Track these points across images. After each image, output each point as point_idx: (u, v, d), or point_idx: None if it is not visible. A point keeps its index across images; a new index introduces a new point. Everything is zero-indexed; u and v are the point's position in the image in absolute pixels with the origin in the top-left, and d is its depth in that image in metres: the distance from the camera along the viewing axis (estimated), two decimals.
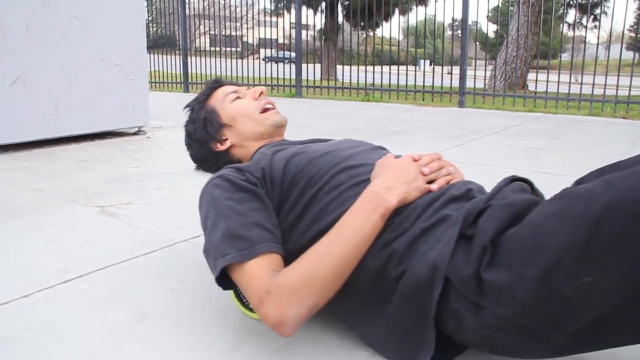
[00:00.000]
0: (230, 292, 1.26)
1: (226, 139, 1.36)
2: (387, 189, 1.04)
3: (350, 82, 7.90)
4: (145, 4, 8.70)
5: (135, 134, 4.08)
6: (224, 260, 1.02)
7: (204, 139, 1.37)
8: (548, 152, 3.47)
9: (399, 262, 0.98)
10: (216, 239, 1.05)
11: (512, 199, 0.96)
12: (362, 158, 1.20)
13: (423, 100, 7.06)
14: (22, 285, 1.39)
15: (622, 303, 0.76)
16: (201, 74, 9.30)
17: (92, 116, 3.73)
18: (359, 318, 1.08)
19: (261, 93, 1.39)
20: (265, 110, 1.37)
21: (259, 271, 1.00)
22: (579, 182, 0.97)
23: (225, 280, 1.05)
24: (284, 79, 8.56)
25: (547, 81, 6.27)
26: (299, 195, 1.13)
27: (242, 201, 1.09)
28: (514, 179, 1.10)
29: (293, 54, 8.27)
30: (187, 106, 1.44)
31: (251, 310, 1.20)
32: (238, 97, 1.38)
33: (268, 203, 1.13)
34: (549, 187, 2.65)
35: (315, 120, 5.11)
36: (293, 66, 8.21)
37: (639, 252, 0.73)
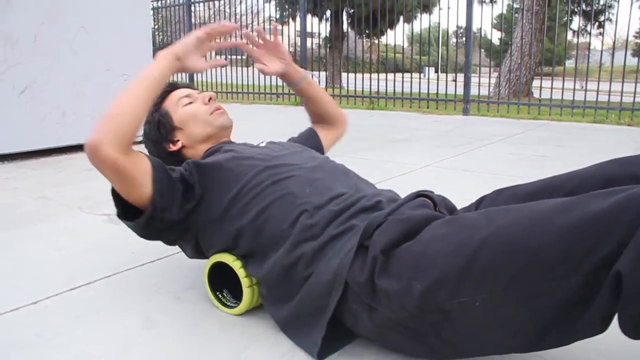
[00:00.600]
0: (209, 293, 1.34)
1: (177, 140, 1.46)
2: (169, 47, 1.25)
3: (355, 90, 7.93)
4: (152, 12, 8.78)
5: (140, 142, 4.11)
6: None
7: (158, 139, 1.46)
8: (552, 159, 3.48)
9: (308, 264, 1.10)
10: None
11: (408, 214, 1.07)
12: (285, 159, 1.31)
13: (428, 108, 7.08)
14: (31, 292, 1.42)
15: (495, 320, 0.90)
16: (207, 81, 9.35)
17: None
18: (269, 302, 1.22)
19: (210, 99, 1.48)
20: (212, 113, 1.47)
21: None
22: (480, 199, 1.21)
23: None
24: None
25: (552, 88, 6.28)
26: (224, 193, 1.25)
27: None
28: (419, 194, 1.21)
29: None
30: None
31: (227, 307, 1.30)
32: (190, 102, 1.47)
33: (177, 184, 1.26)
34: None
35: None
36: None
37: (506, 280, 0.85)
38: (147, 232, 1.29)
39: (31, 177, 2.92)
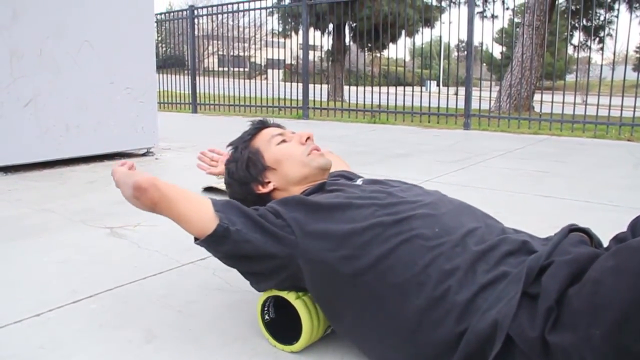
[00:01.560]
0: (262, 328, 1.26)
1: (269, 182, 1.34)
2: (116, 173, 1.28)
3: (357, 104, 7.98)
4: (155, 25, 8.87)
5: (143, 155, 4.15)
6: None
7: (246, 179, 1.35)
8: (552, 175, 3.50)
9: (460, 319, 0.95)
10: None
11: (574, 254, 0.95)
12: (401, 195, 1.19)
13: (429, 122, 7.12)
14: (34, 305, 1.43)
15: None
16: (209, 94, 9.41)
17: (101, 137, 3.81)
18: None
19: (308, 138, 1.37)
20: (310, 154, 1.34)
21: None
22: (632, 224, 1.03)
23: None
24: (290, 100, 8.65)
25: (552, 102, 6.31)
26: (333, 233, 1.11)
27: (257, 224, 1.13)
28: (572, 229, 1.08)
29: None
30: (230, 144, 1.43)
31: (279, 343, 1.22)
32: (284, 140, 1.36)
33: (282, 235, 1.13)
34: (551, 212, 2.67)
35: (321, 143, 5.12)
36: (300, 87, 8.31)
37: None
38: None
39: (34, 189, 2.95)
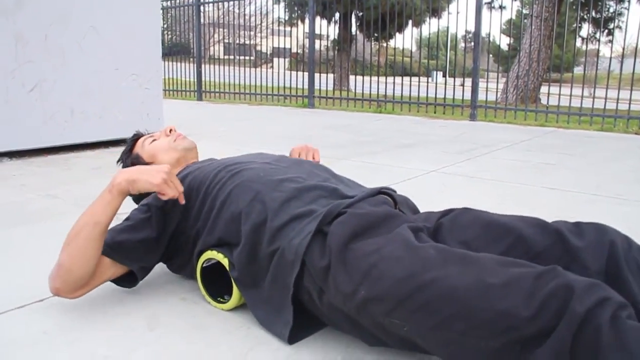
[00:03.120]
0: (202, 289, 1.40)
1: None
2: (121, 173, 1.30)
3: (363, 94, 7.94)
4: (161, 12, 8.83)
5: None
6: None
7: None
8: (558, 168, 3.48)
9: (271, 241, 1.19)
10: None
11: (368, 210, 1.17)
12: (242, 159, 1.47)
13: (435, 112, 7.08)
14: (37, 290, 1.43)
15: (417, 338, 0.98)
16: (215, 82, 9.39)
17: (106, 124, 3.80)
18: (242, 286, 1.27)
19: (171, 130, 1.66)
20: (176, 140, 1.63)
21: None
22: (445, 212, 1.23)
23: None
24: (296, 88, 8.61)
25: (560, 95, 6.27)
26: (194, 199, 1.38)
27: (135, 225, 1.38)
28: (380, 191, 1.31)
29: None
30: (118, 160, 1.73)
31: (219, 302, 1.36)
32: (154, 140, 1.65)
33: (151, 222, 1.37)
34: (557, 204, 2.66)
35: (326, 132, 5.15)
36: (306, 76, 8.27)
37: (436, 321, 0.92)
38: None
39: (39, 175, 2.94)
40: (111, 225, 1.32)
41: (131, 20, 3.87)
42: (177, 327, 1.25)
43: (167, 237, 1.40)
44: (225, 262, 1.28)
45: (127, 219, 1.39)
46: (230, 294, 1.32)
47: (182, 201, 1.33)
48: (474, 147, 4.30)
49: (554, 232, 1.06)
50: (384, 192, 1.32)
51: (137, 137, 1.71)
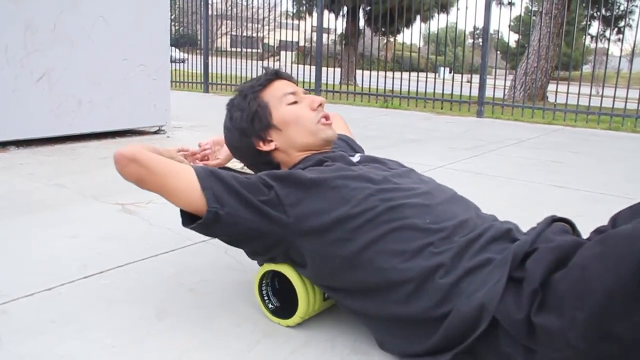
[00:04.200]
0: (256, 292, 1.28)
1: (271, 140, 1.29)
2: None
3: (370, 88, 7.92)
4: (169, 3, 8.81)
5: (155, 133, 4.14)
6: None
7: (248, 132, 1.29)
8: (565, 166, 3.46)
9: (443, 302, 0.98)
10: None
11: (558, 241, 0.97)
12: (396, 181, 1.17)
13: (442, 108, 7.06)
14: (46, 279, 1.43)
15: None
16: (221, 74, 9.37)
17: (114, 114, 3.80)
18: (391, 344, 1.09)
19: (320, 104, 1.30)
20: (319, 123, 1.29)
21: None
22: (613, 218, 1.03)
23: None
24: (303, 82, 8.60)
25: (568, 93, 6.23)
26: (326, 211, 1.10)
27: (247, 188, 1.13)
28: (555, 219, 1.10)
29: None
30: (239, 90, 1.36)
31: (271, 313, 1.25)
32: (295, 102, 1.30)
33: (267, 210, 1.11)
34: (565, 202, 2.64)
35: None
36: (312, 69, 8.25)
37: None
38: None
39: (46, 164, 2.95)
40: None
41: (140, 11, 3.86)
42: (185, 318, 1.25)
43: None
44: (300, 292, 1.17)
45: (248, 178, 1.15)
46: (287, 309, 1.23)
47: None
48: (481, 143, 4.28)
49: None
50: (558, 219, 1.12)
51: (277, 77, 1.33)
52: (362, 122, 5.64)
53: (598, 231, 1.05)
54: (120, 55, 3.78)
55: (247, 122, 1.29)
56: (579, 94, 6.03)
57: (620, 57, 6.59)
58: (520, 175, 3.07)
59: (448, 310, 0.96)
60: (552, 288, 0.88)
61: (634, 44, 6.46)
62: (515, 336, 0.89)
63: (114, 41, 3.72)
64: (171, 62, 8.43)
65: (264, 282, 1.26)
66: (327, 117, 1.31)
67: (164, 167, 1.15)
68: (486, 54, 6.47)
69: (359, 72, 11.86)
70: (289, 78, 1.36)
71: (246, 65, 9.01)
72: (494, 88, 6.90)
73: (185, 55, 10.17)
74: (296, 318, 1.19)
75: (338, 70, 10.42)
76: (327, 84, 8.26)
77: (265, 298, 1.26)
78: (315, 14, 8.48)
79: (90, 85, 3.63)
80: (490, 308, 0.91)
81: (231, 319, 1.25)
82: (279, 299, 1.25)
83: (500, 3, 12.27)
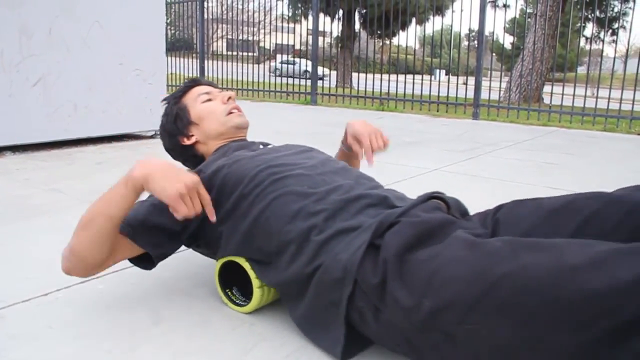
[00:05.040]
0: (219, 290, 1.36)
1: (192, 135, 1.50)
2: (141, 165, 1.15)
3: (366, 91, 7.94)
4: (164, 8, 8.80)
5: (151, 137, 4.14)
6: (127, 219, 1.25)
7: (174, 132, 1.51)
8: (561, 167, 3.48)
9: (314, 257, 1.10)
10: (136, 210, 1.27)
11: (423, 218, 1.07)
12: (285, 159, 1.33)
13: (437, 111, 7.08)
14: (42, 284, 1.44)
15: (496, 350, 0.88)
16: (217, 78, 9.38)
17: (109, 119, 3.81)
18: (284, 299, 1.24)
19: (229, 98, 1.52)
20: (230, 114, 1.50)
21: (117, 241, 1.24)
22: (497, 208, 1.17)
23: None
24: (299, 85, 8.61)
25: (563, 94, 6.26)
26: (228, 195, 1.27)
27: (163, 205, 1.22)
28: (432, 196, 1.21)
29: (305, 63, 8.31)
30: (164, 100, 1.59)
31: (236, 305, 1.32)
32: (209, 99, 1.51)
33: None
34: None
35: (329, 129, 5.14)
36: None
37: (517, 318, 0.83)
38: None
39: (42, 169, 2.95)
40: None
41: (135, 15, 3.87)
42: (181, 323, 1.25)
43: (192, 228, 1.30)
44: (252, 273, 1.25)
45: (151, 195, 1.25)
46: (243, 293, 1.32)
47: (213, 218, 1.16)
48: (477, 146, 4.30)
49: (623, 202, 0.99)
50: (436, 197, 1.22)
51: (194, 83, 1.56)
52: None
53: (482, 215, 1.18)
54: (116, 60, 3.78)
55: (172, 124, 1.51)
56: (574, 95, 6.06)
57: (614, 58, 6.62)
58: (515, 177, 3.08)
59: (318, 265, 1.09)
60: (412, 266, 0.96)
61: (628, 45, 6.49)
62: (369, 295, 1.00)
63: (109, 46, 3.73)
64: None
65: (222, 275, 1.35)
66: (237, 108, 1.53)
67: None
68: (481, 56, 6.50)
69: (354, 75, 11.89)
70: (207, 84, 1.58)
71: (242, 69, 9.02)
72: (490, 90, 6.93)
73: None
74: (253, 304, 1.28)
75: (334, 73, 10.42)
76: (323, 86, 8.28)
77: (227, 291, 1.35)
78: (310, 17, 8.49)
79: (86, 90, 3.64)
80: (352, 271, 1.02)
81: (227, 323, 1.26)
82: (239, 289, 1.34)
83: (495, 5, 12.31)
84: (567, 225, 1.01)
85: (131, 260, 1.32)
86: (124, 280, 1.50)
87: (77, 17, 3.53)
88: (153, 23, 4.02)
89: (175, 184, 1.10)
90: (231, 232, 1.25)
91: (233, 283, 1.35)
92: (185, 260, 1.65)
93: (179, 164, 1.23)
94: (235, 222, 1.24)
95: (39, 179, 2.72)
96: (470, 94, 6.73)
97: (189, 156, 1.54)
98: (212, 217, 1.15)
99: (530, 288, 0.82)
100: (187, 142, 1.51)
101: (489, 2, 6.34)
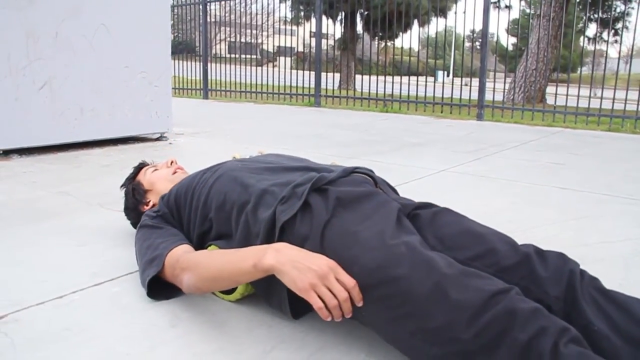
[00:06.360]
0: None
1: (149, 201, 1.74)
2: (276, 254, 1.08)
3: (369, 92, 7.93)
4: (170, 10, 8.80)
5: (157, 139, 4.14)
6: (149, 277, 1.34)
7: (135, 204, 1.76)
8: (567, 168, 3.47)
9: (256, 209, 1.25)
10: (142, 270, 1.40)
11: (349, 189, 1.23)
12: (230, 165, 1.49)
13: (442, 112, 7.07)
14: (56, 287, 1.43)
15: (372, 326, 1.08)
16: (220, 80, 9.38)
17: (116, 121, 3.81)
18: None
19: (172, 162, 1.82)
20: (175, 173, 1.77)
21: (172, 257, 1.33)
22: (425, 205, 1.28)
23: (158, 293, 1.38)
24: (302, 87, 8.61)
25: (567, 95, 6.25)
26: (184, 202, 1.50)
27: (149, 236, 1.46)
28: (355, 170, 1.35)
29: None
30: (121, 186, 1.86)
31: (225, 293, 1.37)
32: (155, 169, 1.80)
33: (168, 224, 1.52)
34: (569, 204, 2.64)
35: (334, 131, 5.14)
36: (312, 74, 8.27)
37: (392, 316, 1.00)
38: None
39: (49, 172, 2.95)
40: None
41: (141, 18, 3.87)
42: (197, 325, 1.25)
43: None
44: None
45: (153, 231, 1.49)
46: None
47: (359, 303, 1.04)
48: (483, 146, 4.29)
49: (523, 254, 1.10)
50: (361, 172, 1.36)
51: (141, 166, 1.86)
52: (363, 126, 5.64)
53: (410, 205, 1.28)
54: (122, 63, 3.78)
55: (132, 198, 1.77)
56: (578, 95, 6.05)
57: (619, 58, 6.60)
58: (522, 177, 3.08)
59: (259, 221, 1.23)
60: (334, 229, 1.12)
61: (633, 45, 6.49)
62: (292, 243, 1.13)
63: (115, 49, 3.73)
64: None
65: None
66: (180, 168, 1.81)
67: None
68: (485, 57, 6.50)
69: (357, 77, 11.89)
70: (151, 163, 1.89)
71: (244, 71, 9.02)
72: (494, 91, 6.92)
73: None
74: (236, 294, 1.34)
75: (337, 75, 10.42)
76: (326, 89, 8.28)
77: None
78: (313, 20, 8.48)
79: (92, 92, 3.64)
80: (281, 219, 1.17)
81: (244, 325, 1.25)
82: None
83: (497, 6, 12.31)
84: (472, 248, 1.13)
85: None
86: (138, 282, 1.49)
87: (83, 20, 3.53)
88: (158, 25, 4.02)
89: (307, 275, 1.03)
90: (197, 227, 1.44)
91: None
92: None
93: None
94: (194, 217, 1.45)
95: (46, 181, 2.71)
96: (473, 95, 6.72)
97: None
98: (359, 303, 1.04)
99: (408, 298, 0.97)
100: (146, 208, 1.73)
101: (492, 3, 6.33)
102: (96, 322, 1.26)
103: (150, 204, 1.73)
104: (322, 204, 1.17)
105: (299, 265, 1.04)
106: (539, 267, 1.07)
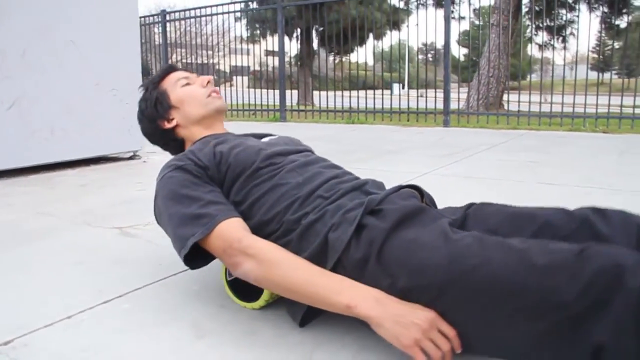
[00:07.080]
0: (226, 287, 1.35)
1: (173, 119, 1.52)
2: (375, 304, 1.01)
3: (328, 106, 7.97)
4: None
5: (130, 158, 4.02)
6: (194, 238, 1.16)
7: (154, 116, 1.53)
8: (544, 165, 3.53)
9: (301, 238, 1.17)
10: (181, 224, 1.20)
11: (401, 204, 1.15)
12: (283, 151, 1.39)
13: (408, 120, 7.15)
14: (61, 307, 1.34)
15: (463, 326, 0.98)
16: None
17: (88, 141, 3.67)
18: None
19: (208, 82, 1.55)
20: (210, 96, 1.53)
21: (230, 229, 1.17)
22: (468, 206, 1.23)
23: (194, 260, 1.23)
24: (267, 104, 8.58)
25: (528, 101, 6.44)
26: (232, 182, 1.31)
27: (194, 186, 1.25)
28: (403, 186, 1.29)
29: None
30: (142, 85, 1.60)
31: (247, 301, 1.30)
32: (188, 83, 1.54)
33: (215, 186, 1.30)
34: (560, 197, 2.67)
35: (307, 143, 5.10)
36: (267, 93, 8.30)
37: (480, 306, 0.93)
38: None
39: (25, 194, 2.81)
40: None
41: (110, 35, 3.77)
42: (226, 334, 1.18)
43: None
44: None
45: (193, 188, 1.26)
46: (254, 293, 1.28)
47: (458, 350, 0.98)
48: (457, 150, 4.34)
49: (580, 219, 1.06)
50: (410, 187, 1.31)
51: (172, 69, 1.59)
52: (335, 137, 5.64)
53: (455, 210, 1.24)
54: (92, 80, 3.66)
55: (152, 108, 1.52)
56: (529, 101, 6.32)
57: (564, 65, 6.89)
58: (506, 175, 3.11)
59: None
60: (393, 247, 1.04)
61: (577, 53, 6.75)
62: (348, 270, 1.08)
63: (85, 66, 3.61)
64: None
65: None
66: (216, 92, 1.55)
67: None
68: (449, 65, 6.61)
69: (315, 92, 11.94)
70: (183, 69, 1.61)
71: None
72: (459, 100, 7.07)
73: None
74: (261, 301, 1.27)
75: (294, 92, 10.42)
76: (291, 104, 8.30)
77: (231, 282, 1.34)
78: (269, 38, 8.48)
79: (63, 112, 3.50)
80: (338, 248, 1.09)
81: (274, 331, 1.19)
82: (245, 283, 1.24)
83: (453, 17, 12.61)
84: (526, 228, 1.08)
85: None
86: (149, 297, 1.42)
87: (51, 38, 3.40)
88: (128, 42, 3.92)
89: (410, 331, 0.96)
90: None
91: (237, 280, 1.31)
92: (209, 273, 1.57)
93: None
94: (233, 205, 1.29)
95: (24, 203, 2.58)
96: (431, 105, 6.90)
97: (169, 140, 1.57)
98: (459, 350, 0.98)
99: (495, 280, 0.91)
100: (167, 125, 1.53)
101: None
102: (113, 341, 1.17)
103: (173, 122, 1.52)
104: (376, 223, 1.09)
105: (401, 320, 0.97)
106: (601, 226, 1.02)
